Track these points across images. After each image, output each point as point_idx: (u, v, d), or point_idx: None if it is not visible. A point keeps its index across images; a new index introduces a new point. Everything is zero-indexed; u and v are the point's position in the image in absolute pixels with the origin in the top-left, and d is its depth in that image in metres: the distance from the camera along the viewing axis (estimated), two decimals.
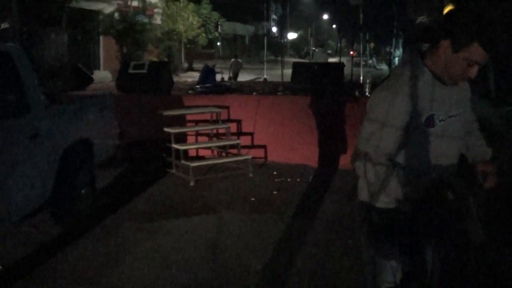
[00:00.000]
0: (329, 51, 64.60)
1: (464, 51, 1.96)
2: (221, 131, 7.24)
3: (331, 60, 34.88)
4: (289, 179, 6.33)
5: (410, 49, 2.16)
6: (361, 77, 16.74)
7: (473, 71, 2.00)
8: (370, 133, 2.07)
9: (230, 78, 19.92)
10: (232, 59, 19.09)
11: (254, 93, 8.59)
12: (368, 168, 2.06)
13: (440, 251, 2.24)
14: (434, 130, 2.07)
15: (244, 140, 7.12)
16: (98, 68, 23.93)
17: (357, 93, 8.39)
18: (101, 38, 24.36)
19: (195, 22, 27.80)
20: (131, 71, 8.76)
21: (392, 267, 2.13)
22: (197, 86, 11.70)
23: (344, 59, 17.27)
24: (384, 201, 2.09)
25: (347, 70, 9.88)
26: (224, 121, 7.14)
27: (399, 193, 2.05)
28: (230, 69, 21.73)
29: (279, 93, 8.64)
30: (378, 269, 2.18)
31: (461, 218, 2.15)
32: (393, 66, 18.68)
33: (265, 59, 15.44)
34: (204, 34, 29.16)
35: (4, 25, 15.25)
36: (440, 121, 2.08)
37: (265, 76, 14.55)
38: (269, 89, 10.20)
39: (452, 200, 2.06)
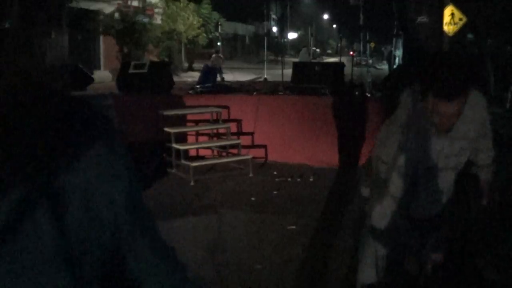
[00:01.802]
0: (329, 51, 64.66)
1: (425, 102, 1.98)
2: (221, 131, 7.24)
3: (331, 60, 34.92)
4: (289, 179, 6.33)
5: (412, 89, 2.15)
6: (361, 77, 16.75)
7: (441, 122, 1.99)
8: (379, 170, 2.16)
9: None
10: (213, 55, 19.01)
11: (254, 93, 8.58)
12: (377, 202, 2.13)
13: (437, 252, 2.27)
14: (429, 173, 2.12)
15: (244, 140, 7.12)
16: (98, 68, 23.92)
17: (357, 93, 8.38)
18: (101, 38, 24.35)
19: (195, 22, 27.77)
20: (131, 71, 8.73)
21: (378, 266, 2.16)
22: (197, 86, 11.68)
23: (344, 59, 17.31)
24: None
25: (347, 70, 9.87)
26: (224, 121, 7.14)
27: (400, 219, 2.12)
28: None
29: (279, 93, 8.63)
30: (361, 265, 2.25)
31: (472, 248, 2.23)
32: (394, 66, 18.64)
33: (265, 59, 15.40)
34: (204, 34, 29.14)
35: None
36: (431, 170, 2.12)
37: (265, 76, 14.50)
38: (269, 89, 10.19)
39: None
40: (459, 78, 1.91)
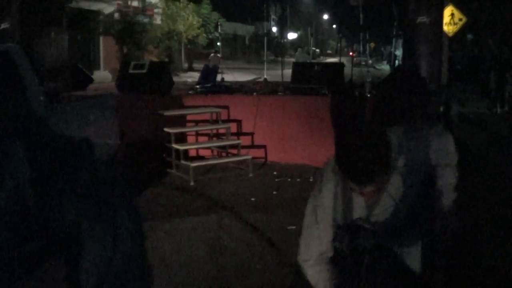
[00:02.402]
0: (329, 51, 64.71)
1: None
2: (221, 131, 7.24)
3: (331, 60, 34.93)
4: (289, 179, 6.33)
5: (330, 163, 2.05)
6: (361, 77, 16.78)
7: (364, 196, 1.87)
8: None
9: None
10: (211, 55, 19.13)
11: (254, 93, 8.59)
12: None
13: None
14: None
15: (244, 140, 7.12)
16: (98, 68, 23.91)
17: (357, 93, 8.39)
18: (101, 38, 24.35)
19: (195, 22, 27.78)
20: (131, 71, 8.73)
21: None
22: (197, 86, 11.70)
23: (344, 59, 17.33)
24: None
25: (347, 70, 9.88)
26: (224, 121, 7.14)
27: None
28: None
29: (279, 93, 8.64)
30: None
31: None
32: (395, 66, 18.66)
33: (265, 59, 15.44)
34: (204, 34, 29.16)
35: (4, 25, 15.23)
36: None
37: (265, 76, 14.54)
38: (269, 89, 10.20)
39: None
40: (367, 166, 1.64)
